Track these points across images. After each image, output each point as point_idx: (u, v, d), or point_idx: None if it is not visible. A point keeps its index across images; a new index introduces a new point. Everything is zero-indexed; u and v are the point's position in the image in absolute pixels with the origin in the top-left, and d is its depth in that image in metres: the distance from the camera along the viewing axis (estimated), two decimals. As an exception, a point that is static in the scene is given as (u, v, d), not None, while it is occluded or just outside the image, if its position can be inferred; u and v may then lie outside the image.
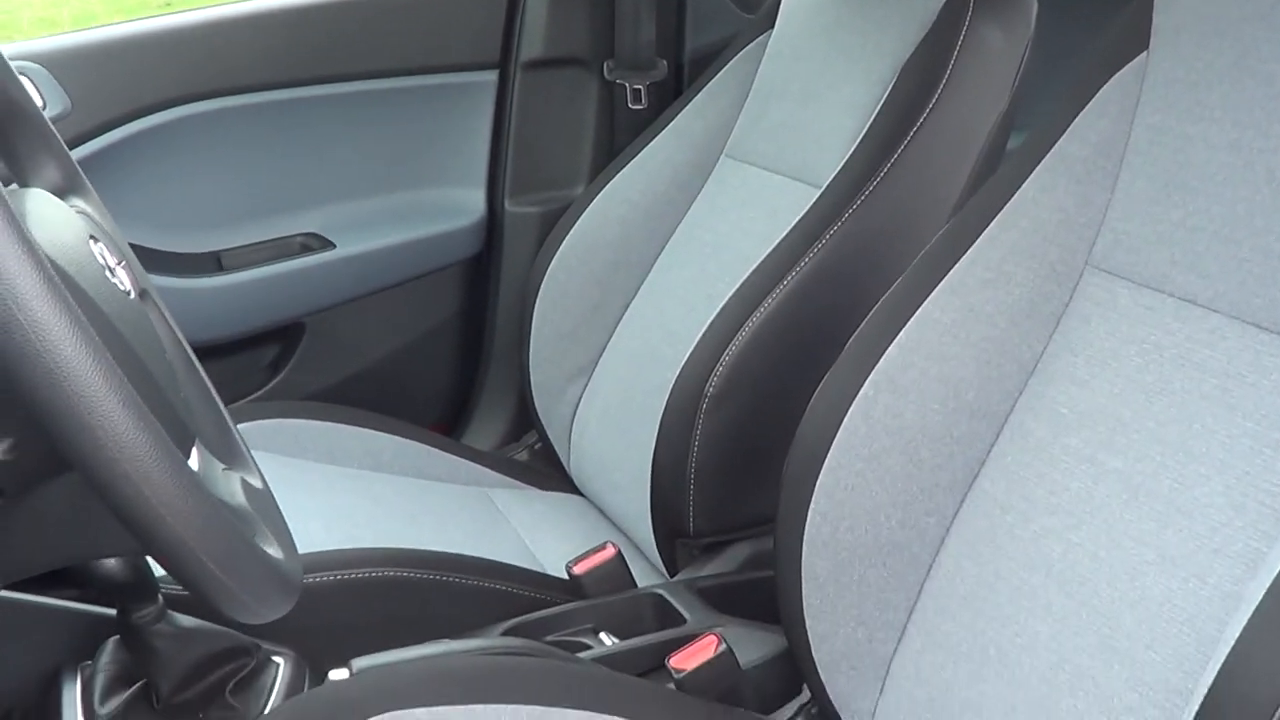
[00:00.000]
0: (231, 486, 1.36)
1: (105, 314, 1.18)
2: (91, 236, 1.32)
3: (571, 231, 2.53)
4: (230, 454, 1.45)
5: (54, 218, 1.31)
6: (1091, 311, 1.50)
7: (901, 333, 1.55)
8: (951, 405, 1.54)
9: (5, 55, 1.47)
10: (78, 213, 1.39)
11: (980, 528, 1.51)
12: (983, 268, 1.55)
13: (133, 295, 1.32)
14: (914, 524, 1.55)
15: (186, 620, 1.63)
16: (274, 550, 1.24)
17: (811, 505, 1.56)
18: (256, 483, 1.44)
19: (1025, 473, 1.49)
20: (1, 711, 1.73)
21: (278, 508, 1.42)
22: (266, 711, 1.61)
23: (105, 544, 1.28)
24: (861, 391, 1.55)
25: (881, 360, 1.55)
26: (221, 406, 1.55)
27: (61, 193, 1.44)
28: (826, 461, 1.55)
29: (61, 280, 1.02)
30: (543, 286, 2.55)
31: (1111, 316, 1.48)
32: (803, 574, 1.58)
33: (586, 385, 2.51)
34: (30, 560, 1.29)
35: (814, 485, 1.56)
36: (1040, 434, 1.49)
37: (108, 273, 1.28)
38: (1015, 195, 1.56)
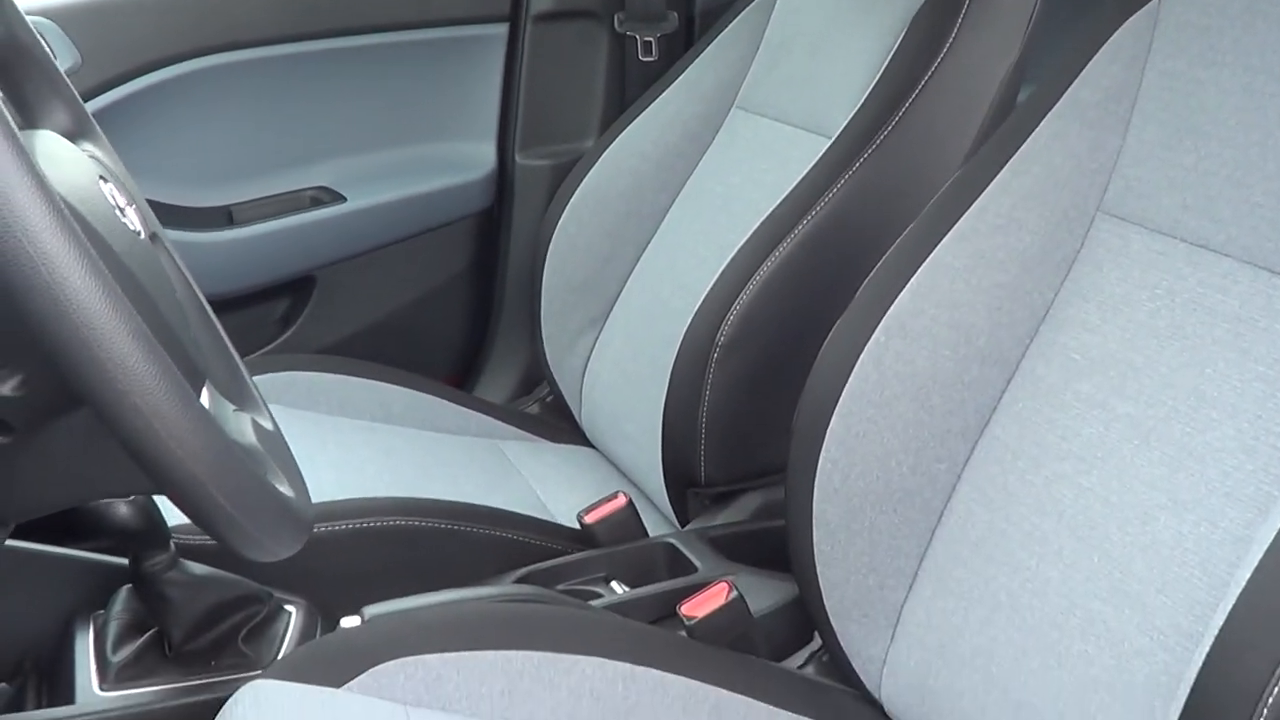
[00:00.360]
0: (242, 426, 1.35)
1: (115, 252, 1.18)
2: (101, 177, 1.31)
3: (582, 184, 2.52)
4: (241, 395, 1.44)
5: (64, 157, 1.31)
6: (1103, 257, 1.49)
7: (913, 279, 1.55)
8: (963, 351, 1.53)
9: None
10: (88, 156, 1.38)
11: (991, 474, 1.51)
12: (994, 214, 1.54)
13: (143, 236, 1.32)
14: (925, 470, 1.55)
15: (198, 568, 1.64)
16: (285, 489, 1.23)
17: (823, 452, 1.56)
18: (267, 424, 1.43)
19: (1036, 418, 1.48)
20: (15, 660, 1.73)
21: (288, 449, 1.42)
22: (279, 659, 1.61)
23: (117, 482, 1.28)
24: (873, 338, 1.54)
25: (893, 307, 1.55)
26: (232, 349, 1.55)
27: (71, 136, 1.44)
28: (838, 408, 1.55)
29: (71, 216, 1.01)
30: (553, 239, 2.54)
31: (1123, 262, 1.47)
32: (814, 521, 1.58)
33: (598, 337, 2.50)
34: (42, 499, 1.29)
35: (825, 432, 1.56)
36: (1052, 380, 1.49)
37: (118, 212, 1.28)
38: (1027, 142, 1.55)
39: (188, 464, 1.05)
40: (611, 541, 2.02)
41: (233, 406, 1.38)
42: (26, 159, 0.99)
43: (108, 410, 1.02)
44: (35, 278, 0.97)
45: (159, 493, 1.17)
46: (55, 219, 0.98)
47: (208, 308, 1.55)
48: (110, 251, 1.17)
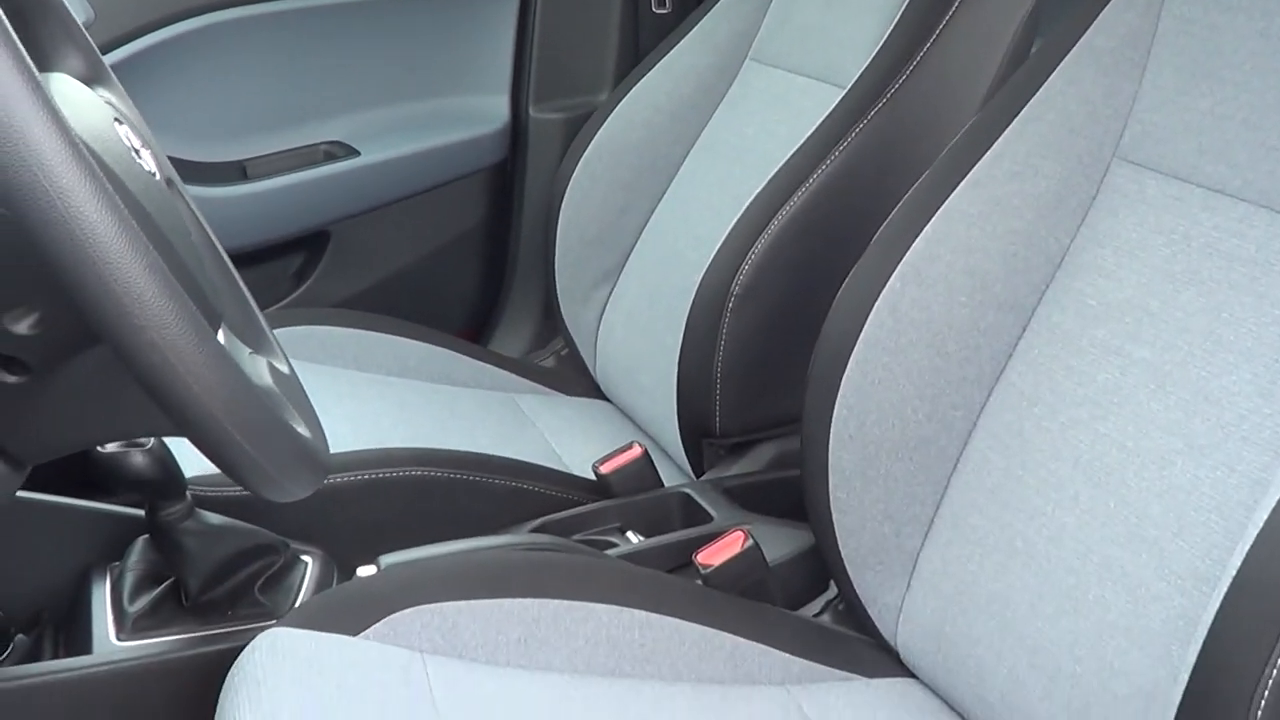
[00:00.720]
0: (258, 369, 1.35)
1: (131, 191, 1.17)
2: (116, 119, 1.31)
3: (596, 137, 2.52)
4: (257, 339, 1.44)
5: (79, 99, 1.30)
6: (1119, 203, 1.49)
7: (928, 226, 1.54)
8: (978, 298, 1.53)
9: None
10: (103, 100, 1.38)
11: (1007, 420, 1.51)
12: (1009, 160, 1.54)
13: (159, 178, 1.31)
14: (941, 418, 1.54)
15: (215, 518, 1.64)
16: (303, 430, 1.23)
17: (838, 400, 1.55)
18: (283, 368, 1.43)
19: (1052, 365, 1.48)
20: (32, 612, 1.74)
21: (304, 393, 1.41)
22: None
23: (135, 423, 1.28)
24: (888, 285, 1.54)
25: (908, 254, 1.54)
26: (248, 294, 1.55)
27: (86, 81, 1.43)
28: (853, 356, 1.55)
29: (87, 152, 1.01)
30: (567, 192, 2.53)
31: (1139, 207, 1.47)
32: (829, 469, 1.58)
33: (612, 290, 2.50)
34: (60, 440, 1.29)
35: (840, 379, 1.55)
36: (1067, 326, 1.48)
37: (134, 154, 1.27)
38: (1042, 88, 1.55)
39: (204, 401, 1.05)
40: (627, 492, 2.02)
41: (248, 350, 1.37)
42: (42, 93, 0.98)
43: (124, 346, 1.01)
44: (51, 211, 0.97)
45: (177, 433, 1.17)
46: (71, 153, 0.98)
47: (223, 253, 1.54)
48: (126, 190, 1.16)
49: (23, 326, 1.15)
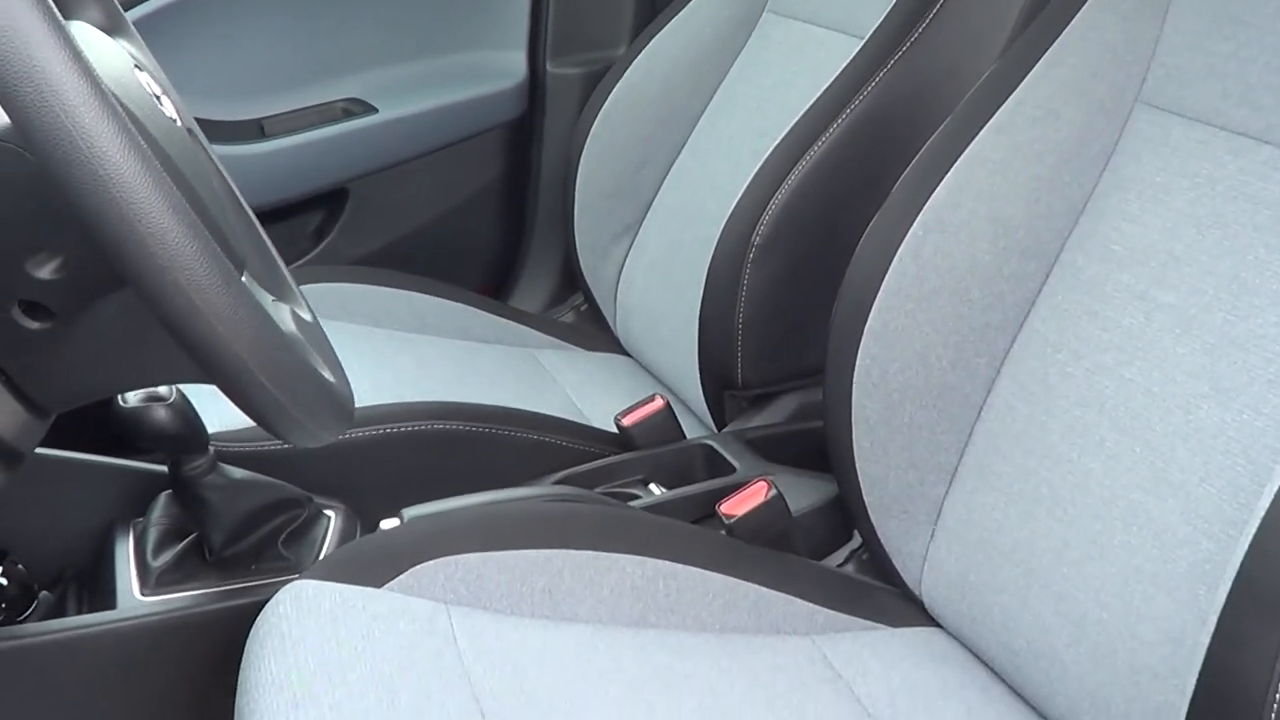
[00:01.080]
0: (282, 316, 1.35)
1: (153, 135, 1.17)
2: (136, 66, 1.31)
3: (614, 91, 2.51)
4: (279, 287, 1.44)
5: (99, 46, 1.30)
6: (1142, 148, 1.48)
7: (950, 173, 1.53)
8: (1001, 245, 1.52)
9: None
10: (123, 49, 1.38)
11: (1032, 367, 1.50)
12: (1031, 106, 1.53)
13: (179, 125, 1.31)
14: (965, 365, 1.54)
15: (238, 472, 1.64)
16: (327, 375, 1.23)
17: (861, 347, 1.55)
18: (306, 316, 1.43)
19: (1077, 311, 1.47)
20: (56, 569, 1.74)
21: (328, 340, 1.41)
22: (318, 562, 1.61)
23: (159, 369, 1.27)
24: (910, 232, 1.53)
25: (930, 200, 1.53)
26: (269, 243, 1.54)
27: (106, 31, 1.43)
28: (876, 303, 1.54)
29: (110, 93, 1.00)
30: (586, 147, 2.53)
31: (1163, 152, 1.46)
32: (853, 417, 1.57)
33: (632, 244, 2.49)
34: (84, 387, 1.29)
35: (863, 327, 1.55)
36: (1091, 271, 1.48)
37: (155, 100, 1.27)
38: (1063, 34, 1.54)
39: (229, 343, 1.05)
40: (649, 444, 2.02)
41: (271, 297, 1.37)
42: (65, 34, 0.98)
43: (148, 288, 1.01)
44: (74, 152, 0.96)
45: (202, 379, 1.17)
46: (94, 93, 0.97)
47: (244, 202, 1.54)
48: (148, 134, 1.16)
49: (46, 272, 1.15)
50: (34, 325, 1.18)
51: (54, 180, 0.97)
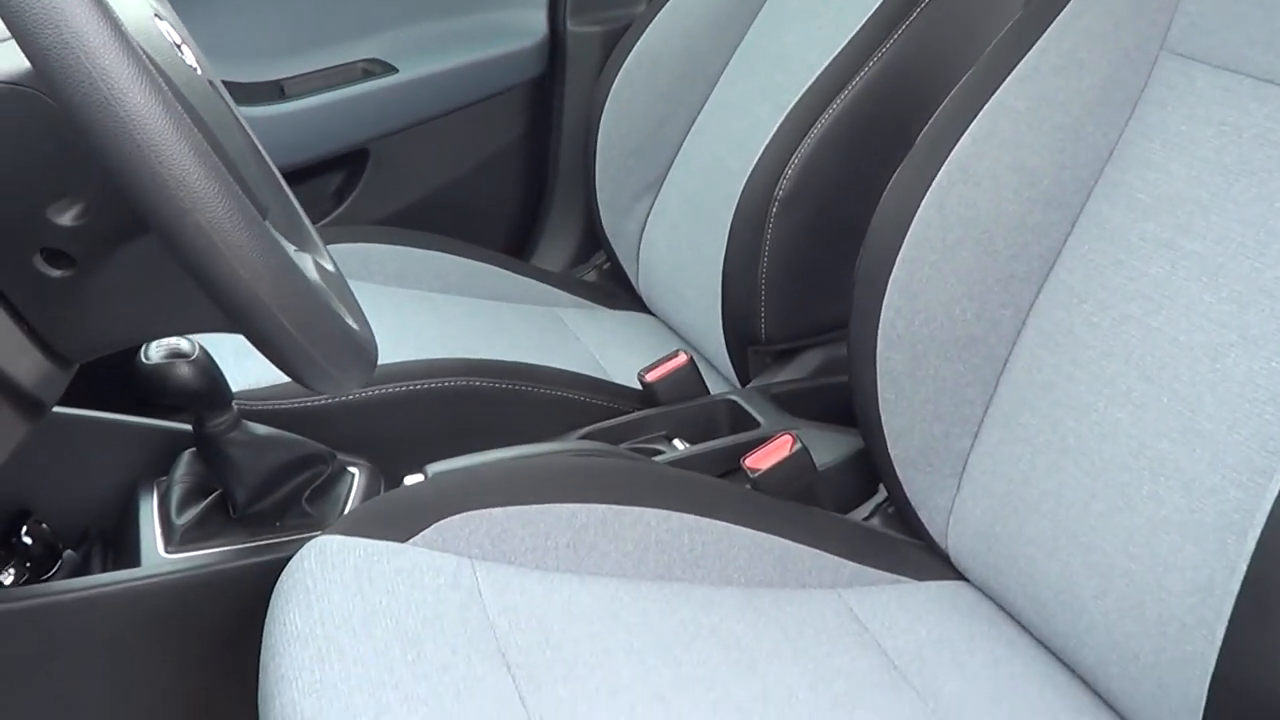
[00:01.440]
0: (304, 265, 1.34)
1: (175, 82, 1.16)
2: (156, 15, 1.30)
3: (635, 48, 2.50)
4: (301, 237, 1.43)
5: (119, -5, 1.29)
6: (1167, 96, 1.47)
7: (974, 123, 1.52)
8: (1026, 195, 1.51)
9: None
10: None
11: (1057, 318, 1.49)
12: (1055, 55, 1.52)
13: (199, 73, 1.30)
14: (990, 316, 1.53)
15: (261, 429, 1.64)
16: (351, 322, 1.22)
17: (885, 299, 1.54)
18: (329, 265, 1.42)
19: (1102, 260, 1.46)
20: (80, 528, 1.74)
21: (351, 291, 1.40)
22: (343, 518, 1.61)
23: (182, 318, 1.27)
24: (935, 183, 1.52)
25: (954, 151, 1.53)
26: (291, 195, 1.54)
27: (124, -16, 1.42)
28: (900, 254, 1.53)
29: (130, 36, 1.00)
30: (607, 105, 2.52)
31: (1188, 100, 1.44)
32: (878, 369, 1.57)
33: (654, 202, 2.48)
34: (107, 336, 1.28)
35: (888, 278, 1.54)
36: (1117, 221, 1.47)
37: (175, 49, 1.26)
38: (1087, -17, 1.53)
39: (253, 286, 1.04)
40: (673, 400, 2.01)
41: (294, 248, 1.36)
42: None
43: (169, 231, 1.00)
44: (94, 93, 0.96)
45: (225, 326, 1.17)
46: (114, 35, 0.97)
47: (265, 155, 1.53)
48: (170, 81, 1.15)
49: (67, 218, 1.15)
50: (56, 273, 1.18)
51: (75, 123, 0.97)
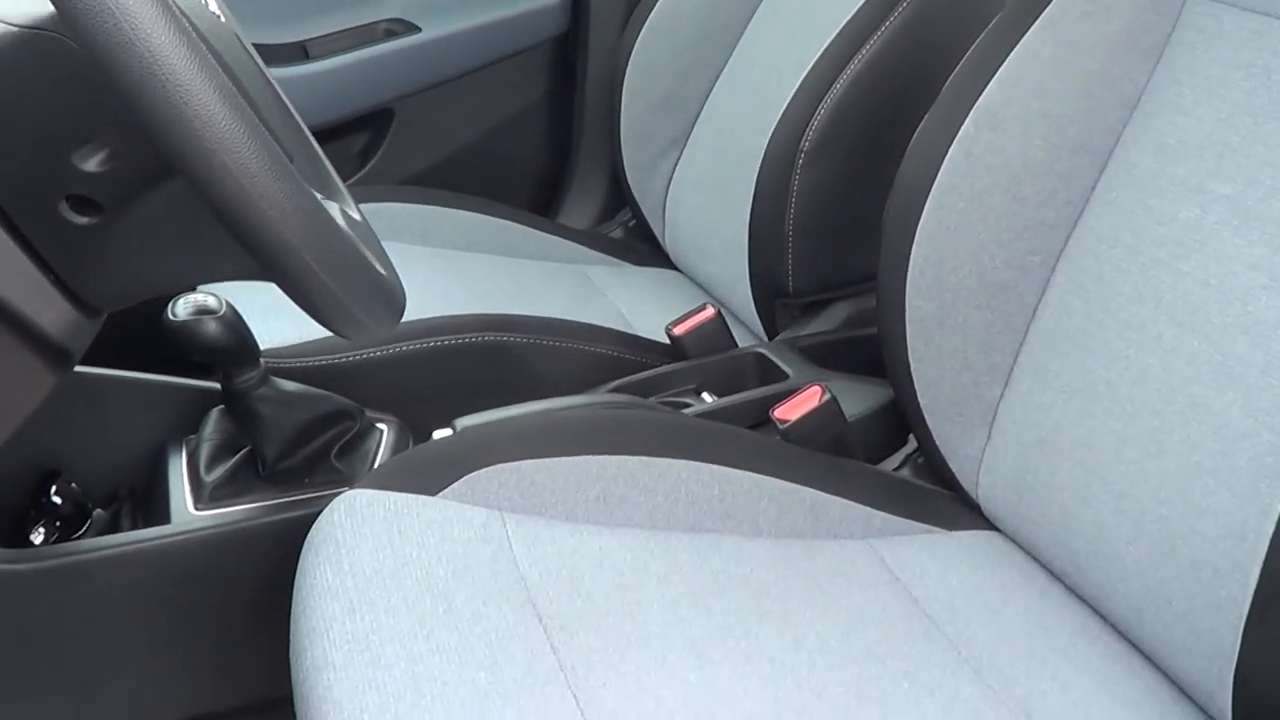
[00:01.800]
0: (331, 211, 1.34)
1: (199, 26, 1.16)
2: None
3: (658, 4, 2.49)
4: (327, 186, 1.43)
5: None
6: (1195, 40, 1.46)
7: (1001, 69, 1.52)
8: (1054, 141, 1.50)
9: None
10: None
11: (1086, 264, 1.48)
12: (1082, 0, 1.51)
13: (223, 21, 1.30)
14: (1019, 263, 1.52)
15: (289, 385, 1.64)
16: (379, 266, 1.22)
17: (914, 247, 1.54)
18: (355, 214, 1.42)
19: (1131, 206, 1.45)
20: (110, 488, 1.74)
21: (377, 239, 1.40)
22: (372, 474, 1.61)
23: (209, 264, 1.27)
24: (962, 130, 1.52)
25: (981, 98, 1.52)
26: (315, 144, 1.53)
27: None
28: (928, 202, 1.53)
29: None
30: (630, 61, 2.51)
31: (1217, 43, 1.43)
32: (906, 319, 1.56)
33: (679, 158, 2.48)
34: (135, 284, 1.28)
35: (916, 227, 1.53)
36: (1146, 166, 1.46)
37: None
38: (1113, -73, 1.52)
39: (280, 228, 1.04)
40: (701, 353, 2.01)
41: (319, 196, 1.36)
42: None
43: (196, 172, 1.00)
44: (119, 34, 0.96)
45: (253, 274, 1.16)
46: None
47: (290, 105, 1.53)
48: (194, 26, 1.15)
49: (92, 164, 1.15)
50: (82, 220, 1.18)
51: (100, 66, 0.97)
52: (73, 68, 1.11)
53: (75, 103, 1.13)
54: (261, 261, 1.07)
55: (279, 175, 1.03)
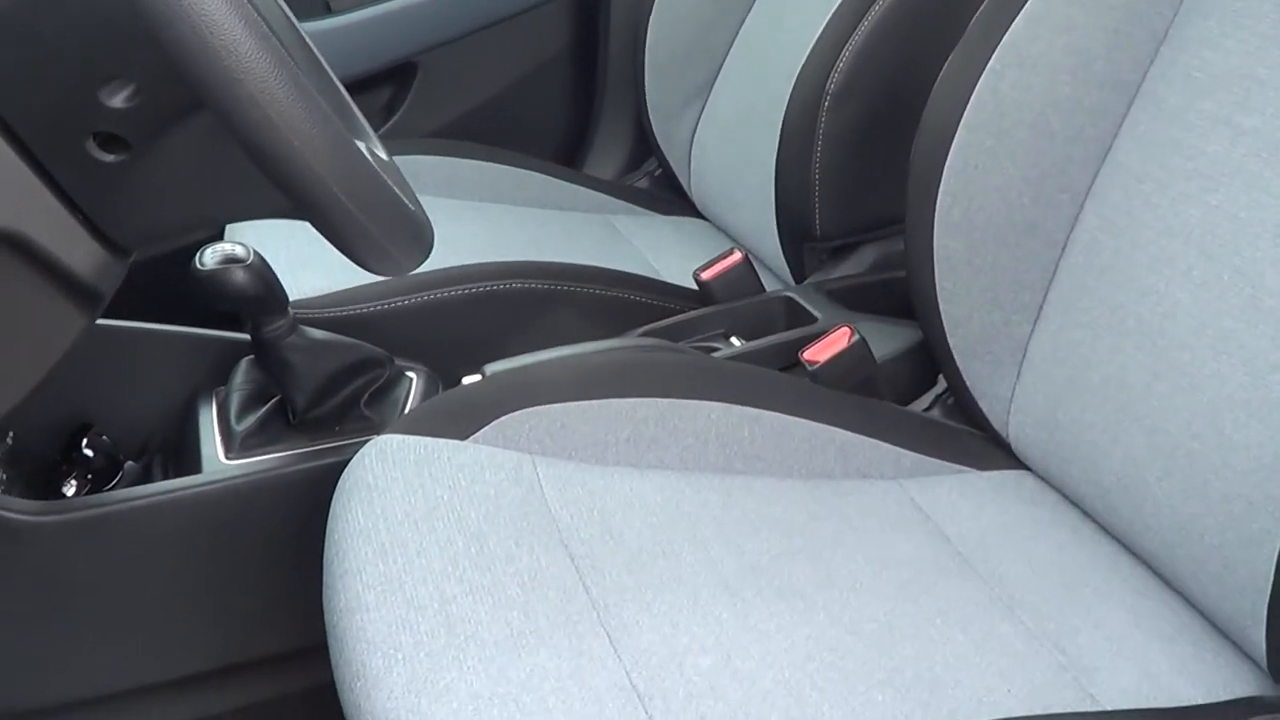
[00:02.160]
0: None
1: None
2: None
3: (681, -49, 2.49)
4: (352, 125, 1.43)
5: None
6: (1223, -29, 1.45)
7: (1027, 5, 1.51)
8: (1081, 76, 1.50)
9: None
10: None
11: (1115, 199, 1.48)
12: (1109, -66, 1.50)
13: None
14: (1047, 200, 1.52)
15: (318, 333, 1.64)
16: (407, 200, 1.22)
17: (941, 186, 1.53)
18: (382, 154, 1.42)
19: (1160, 140, 1.45)
20: (141, 440, 1.75)
21: (404, 178, 1.40)
22: (401, 421, 1.62)
23: (237, 202, 1.27)
24: (988, 68, 1.51)
25: (1007, 35, 1.51)
26: (339, 83, 1.53)
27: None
28: (955, 141, 1.52)
29: None
30: (654, 9, 2.51)
31: (1245, -25, 1.43)
32: (935, 258, 1.56)
33: (704, 106, 2.47)
34: (163, 223, 1.28)
35: (943, 166, 1.53)
36: (1174, 100, 1.45)
37: None
38: None
39: (308, 159, 1.04)
40: (729, 298, 2.00)
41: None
42: None
43: (222, 103, 1.00)
44: None
45: (283, 211, 1.16)
46: None
47: (313, 46, 1.53)
48: None
49: (119, 100, 1.15)
50: (109, 158, 1.18)
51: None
52: (96, 3, 1.11)
53: (100, 39, 1.12)
54: (289, 195, 1.07)
55: (306, 106, 1.03)
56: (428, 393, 1.73)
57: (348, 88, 2.48)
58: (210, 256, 1.54)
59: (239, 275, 1.53)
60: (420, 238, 1.22)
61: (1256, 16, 1.39)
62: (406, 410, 1.70)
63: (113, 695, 1.64)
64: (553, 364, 1.61)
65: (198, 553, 1.61)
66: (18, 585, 1.54)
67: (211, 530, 1.60)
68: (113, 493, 1.59)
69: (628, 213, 2.55)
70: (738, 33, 2.42)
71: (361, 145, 1.28)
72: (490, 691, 1.11)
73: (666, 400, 1.50)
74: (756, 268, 2.11)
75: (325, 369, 1.63)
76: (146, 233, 1.28)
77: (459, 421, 1.45)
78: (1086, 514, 1.53)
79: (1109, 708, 1.25)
